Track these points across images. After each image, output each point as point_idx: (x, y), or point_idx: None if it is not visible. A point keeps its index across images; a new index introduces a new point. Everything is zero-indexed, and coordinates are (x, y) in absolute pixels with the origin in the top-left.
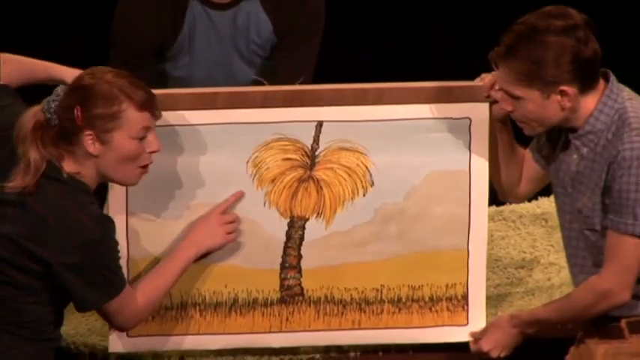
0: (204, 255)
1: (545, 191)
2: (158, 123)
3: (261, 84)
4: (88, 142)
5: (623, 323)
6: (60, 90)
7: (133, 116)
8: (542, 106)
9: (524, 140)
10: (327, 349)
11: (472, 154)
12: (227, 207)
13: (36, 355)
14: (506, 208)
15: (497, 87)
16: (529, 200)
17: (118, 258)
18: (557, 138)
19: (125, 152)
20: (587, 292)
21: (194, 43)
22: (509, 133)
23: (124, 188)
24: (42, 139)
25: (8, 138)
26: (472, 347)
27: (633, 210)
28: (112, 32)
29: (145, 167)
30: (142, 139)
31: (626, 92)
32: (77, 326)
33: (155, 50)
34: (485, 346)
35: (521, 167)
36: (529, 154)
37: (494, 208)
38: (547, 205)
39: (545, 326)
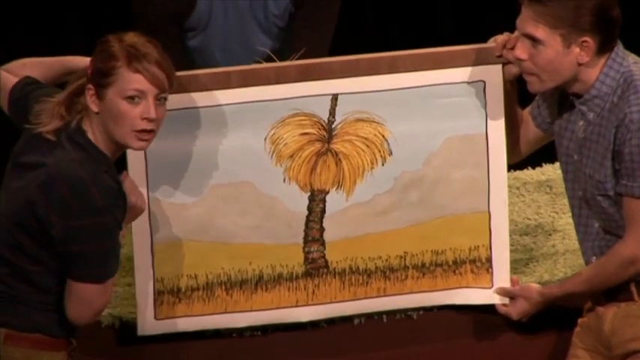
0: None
1: (550, 158)
2: (174, 106)
3: (272, 60)
4: (89, 96)
5: (632, 286)
6: None
7: (125, 75)
8: (560, 56)
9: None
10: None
11: (488, 117)
12: None
13: (46, 325)
14: (510, 175)
15: (509, 46)
16: (533, 167)
17: (116, 244)
18: (559, 106)
19: (115, 111)
20: (614, 261)
21: (212, 13)
22: (515, 95)
23: (144, 172)
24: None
25: None
26: (500, 310)
27: None
28: (132, 8)
29: (140, 132)
30: (134, 101)
31: (632, 57)
32: None
33: (175, 21)
34: (515, 315)
35: (521, 128)
36: (529, 117)
37: None
38: (551, 171)
39: (572, 297)
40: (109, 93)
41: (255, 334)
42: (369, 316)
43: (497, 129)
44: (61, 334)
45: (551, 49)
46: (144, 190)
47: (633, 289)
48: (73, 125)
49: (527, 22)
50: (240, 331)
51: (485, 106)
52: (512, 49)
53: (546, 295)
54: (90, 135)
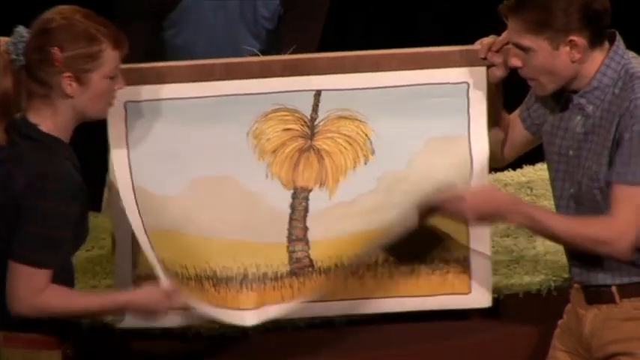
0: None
1: (530, 159)
2: (156, 97)
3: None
4: (66, 83)
5: (613, 288)
6: (23, 31)
7: (110, 55)
8: (551, 58)
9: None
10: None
11: (471, 119)
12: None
13: (39, 324)
14: (490, 177)
15: (494, 49)
16: (514, 169)
17: (62, 235)
18: (553, 105)
19: (99, 91)
20: (592, 233)
21: (199, 13)
22: (500, 98)
23: (127, 163)
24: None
25: None
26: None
27: None
28: None
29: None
30: (113, 77)
31: (632, 53)
32: None
33: (156, 13)
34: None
35: (506, 132)
36: (517, 120)
37: None
38: (532, 173)
39: (533, 227)
40: (93, 76)
41: (238, 335)
42: (350, 318)
43: (480, 131)
44: (54, 333)
45: (540, 54)
46: (128, 181)
47: (615, 291)
48: (19, 121)
49: (513, 33)
50: (223, 332)
51: (467, 108)
52: (498, 51)
53: (514, 206)
54: (42, 127)
